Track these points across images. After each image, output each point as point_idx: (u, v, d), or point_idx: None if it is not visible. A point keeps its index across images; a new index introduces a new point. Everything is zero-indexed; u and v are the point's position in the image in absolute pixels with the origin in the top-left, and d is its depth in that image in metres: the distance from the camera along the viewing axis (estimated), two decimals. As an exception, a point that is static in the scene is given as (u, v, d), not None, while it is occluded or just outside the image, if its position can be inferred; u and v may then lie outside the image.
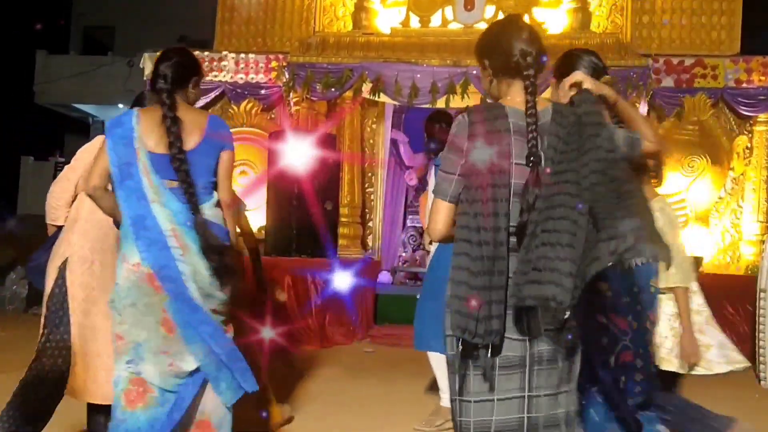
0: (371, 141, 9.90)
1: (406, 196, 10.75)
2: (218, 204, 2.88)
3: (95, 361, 3.32)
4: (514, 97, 2.18)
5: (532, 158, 2.05)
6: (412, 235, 10.68)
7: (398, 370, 6.07)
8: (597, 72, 2.64)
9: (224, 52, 9.49)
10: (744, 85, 8.68)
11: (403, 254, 10.56)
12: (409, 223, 10.75)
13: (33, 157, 16.86)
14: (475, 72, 8.53)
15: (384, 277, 9.53)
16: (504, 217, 2.06)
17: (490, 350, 2.06)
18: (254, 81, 9.45)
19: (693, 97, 8.71)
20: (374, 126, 9.90)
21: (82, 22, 19.87)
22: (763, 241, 7.23)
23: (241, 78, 9.41)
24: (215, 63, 9.38)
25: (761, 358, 6.05)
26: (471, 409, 2.12)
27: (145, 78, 9.30)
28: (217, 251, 2.77)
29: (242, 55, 9.44)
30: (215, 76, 9.38)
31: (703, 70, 8.74)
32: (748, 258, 8.58)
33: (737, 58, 8.80)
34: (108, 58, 17.45)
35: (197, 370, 2.80)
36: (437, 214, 2.18)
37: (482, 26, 9.14)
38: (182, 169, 2.75)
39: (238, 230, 3.40)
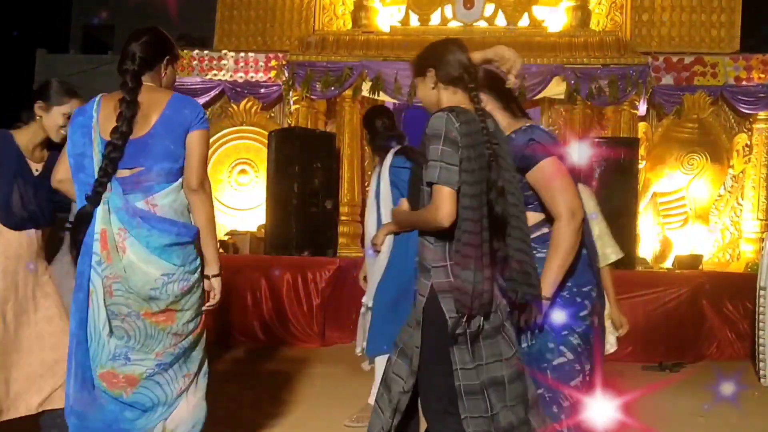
0: (371, 139, 9.90)
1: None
2: (178, 191, 2.62)
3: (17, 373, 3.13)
4: (461, 103, 2.47)
5: (492, 158, 2.39)
6: (412, 234, 10.68)
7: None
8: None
9: (224, 51, 9.49)
10: (744, 82, 8.69)
11: (403, 253, 10.56)
12: (409, 221, 10.74)
13: (33, 156, 16.85)
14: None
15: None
16: (485, 207, 2.37)
17: (482, 322, 2.37)
18: (254, 80, 9.45)
19: (693, 94, 8.71)
20: (374, 124, 9.90)
21: (82, 20, 19.87)
22: (762, 239, 7.24)
23: (241, 77, 9.41)
24: (215, 62, 9.39)
25: (761, 356, 6.05)
26: (483, 371, 2.38)
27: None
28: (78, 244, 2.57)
29: (242, 54, 9.45)
30: (215, 75, 9.39)
31: (703, 68, 8.75)
32: (747, 255, 8.58)
33: (737, 55, 8.80)
34: (108, 57, 17.43)
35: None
36: (446, 201, 2.33)
37: (482, 25, 9.17)
38: (111, 157, 2.53)
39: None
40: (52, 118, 3.27)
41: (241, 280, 6.97)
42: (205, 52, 9.47)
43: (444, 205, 2.32)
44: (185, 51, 9.34)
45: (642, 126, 8.86)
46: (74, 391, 2.61)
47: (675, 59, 8.72)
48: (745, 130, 8.90)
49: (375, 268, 4.43)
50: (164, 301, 2.55)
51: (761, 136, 8.78)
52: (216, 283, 2.73)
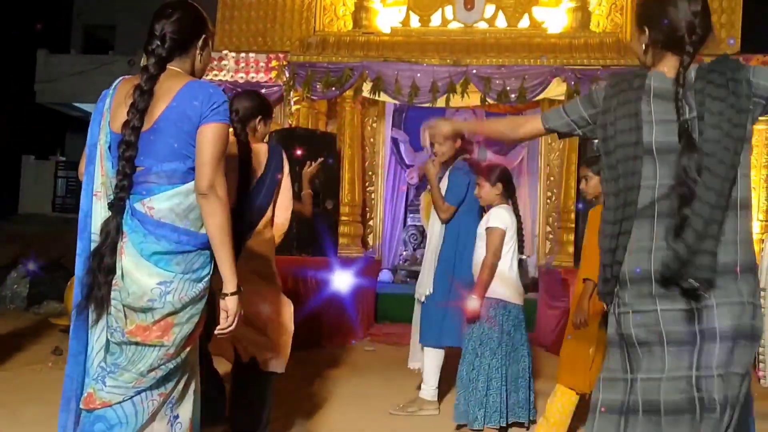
0: (372, 140, 9.92)
1: (407, 195, 10.78)
2: (185, 195, 2.29)
3: None
4: (664, 66, 2.23)
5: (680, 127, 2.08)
6: (412, 234, 10.70)
7: (399, 368, 6.08)
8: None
9: (224, 51, 9.51)
10: (744, 83, 8.70)
11: (404, 253, 10.58)
12: (409, 221, 10.78)
13: (34, 156, 16.88)
14: (474, 71, 8.56)
15: (384, 275, 9.55)
16: (636, 176, 2.12)
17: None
18: (255, 80, 9.46)
19: (693, 95, 8.71)
20: (375, 125, 9.93)
21: (83, 20, 19.88)
22: (762, 240, 7.24)
23: (242, 77, 9.43)
24: (215, 62, 9.40)
25: (761, 357, 6.06)
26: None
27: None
28: (105, 270, 2.25)
29: (242, 55, 9.46)
30: (215, 75, 9.39)
31: (703, 69, 8.75)
32: (747, 256, 8.59)
33: (737, 56, 8.80)
34: (109, 57, 17.45)
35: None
36: (529, 122, 2.47)
37: (482, 26, 9.18)
38: (125, 156, 2.23)
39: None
40: None
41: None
42: (206, 52, 9.48)
43: (526, 123, 2.55)
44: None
45: (642, 127, 8.86)
46: (62, 409, 2.38)
47: (675, 60, 8.74)
48: (745, 131, 8.91)
49: (426, 263, 4.68)
50: (159, 311, 2.25)
51: (761, 138, 8.78)
52: (231, 303, 2.33)
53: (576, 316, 3.74)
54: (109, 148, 2.32)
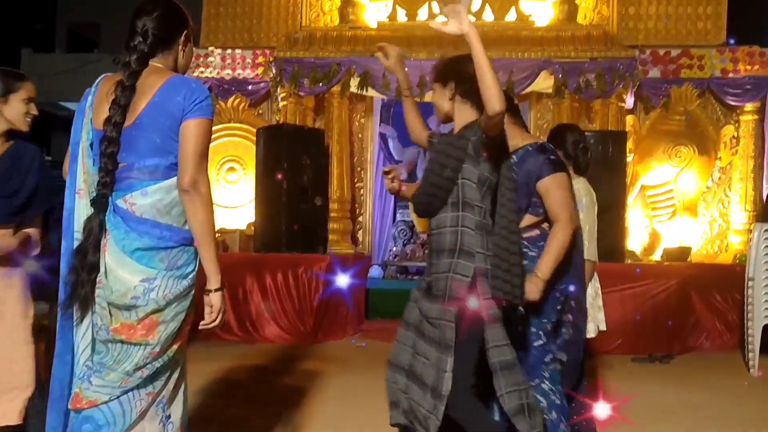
0: (360, 135, 9.89)
1: (396, 191, 10.75)
2: (166, 191, 2.26)
3: None
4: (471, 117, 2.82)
5: None
6: (402, 230, 10.70)
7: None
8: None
9: (210, 48, 9.45)
10: (730, 74, 8.73)
11: (394, 248, 10.57)
12: (399, 217, 10.77)
13: (20, 156, 16.74)
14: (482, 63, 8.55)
15: (375, 271, 9.54)
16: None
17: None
18: (241, 77, 9.42)
19: (679, 87, 8.74)
20: (363, 120, 9.90)
21: (67, 19, 19.73)
22: (750, 230, 7.27)
23: (228, 74, 9.38)
24: (201, 59, 9.35)
25: (750, 346, 6.09)
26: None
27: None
28: (88, 268, 2.21)
29: (229, 51, 9.41)
30: (201, 72, 9.35)
31: (690, 61, 8.78)
32: (735, 247, 8.63)
33: (723, 48, 8.84)
34: (94, 56, 17.34)
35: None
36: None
37: (469, 19, 9.14)
38: (106, 153, 2.20)
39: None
40: (13, 108, 3.07)
41: (230, 278, 6.95)
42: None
43: None
44: (172, 48, 9.29)
45: (629, 119, 8.88)
46: (49, 410, 2.35)
47: (662, 52, 8.75)
48: (732, 121, 8.94)
49: None
50: (143, 309, 2.22)
51: (748, 128, 8.82)
52: (216, 299, 2.30)
53: None
54: (91, 145, 2.30)
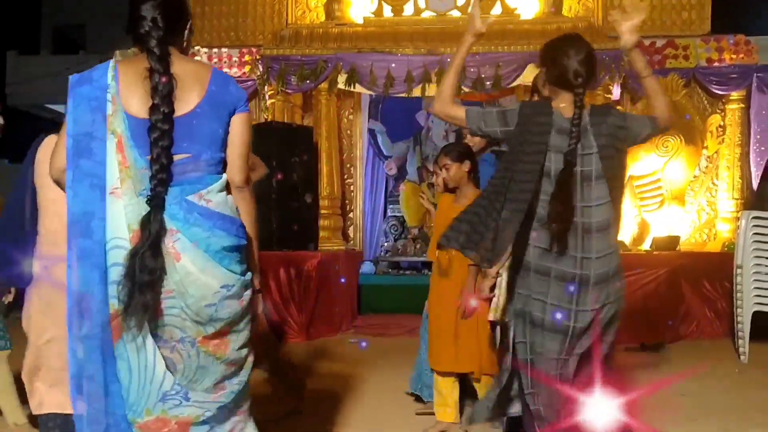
0: (348, 132, 9.89)
1: (386, 186, 10.77)
2: (227, 187, 2.17)
3: None
4: (560, 103, 2.71)
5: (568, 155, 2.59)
6: (393, 225, 10.70)
7: (383, 359, 6.11)
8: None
9: (196, 47, 9.41)
10: (716, 64, 8.77)
11: (385, 244, 10.58)
12: (389, 212, 10.77)
13: (8, 160, 16.68)
14: (449, 60, 8.54)
15: (366, 267, 9.55)
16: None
17: None
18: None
19: (665, 77, 8.77)
20: (351, 117, 9.90)
21: (52, 21, 19.62)
22: (738, 218, 7.33)
23: (215, 73, 9.36)
24: (188, 59, 9.32)
25: (739, 333, 6.15)
26: None
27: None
28: (148, 273, 1.98)
29: (215, 50, 9.39)
30: (189, 72, 9.32)
31: (675, 51, 8.81)
32: (724, 235, 8.69)
33: (708, 37, 8.88)
34: (80, 57, 17.24)
35: None
36: (457, 109, 2.77)
37: (455, 14, 9.18)
38: (160, 145, 2.02)
39: None
40: None
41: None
42: (178, 49, 9.39)
43: (456, 112, 2.84)
44: (158, 48, 9.27)
45: (616, 110, 8.91)
46: None
47: (647, 42, 8.77)
48: (718, 111, 8.98)
49: None
50: (221, 322, 2.07)
51: (734, 117, 8.86)
52: (258, 300, 2.29)
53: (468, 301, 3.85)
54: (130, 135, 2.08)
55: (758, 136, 8.80)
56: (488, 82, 8.51)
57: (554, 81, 2.76)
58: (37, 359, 2.95)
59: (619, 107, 8.79)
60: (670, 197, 8.87)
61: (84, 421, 2.03)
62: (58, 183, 2.14)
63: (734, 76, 8.72)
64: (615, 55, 8.29)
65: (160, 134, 2.02)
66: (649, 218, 8.80)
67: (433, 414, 4.18)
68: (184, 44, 2.29)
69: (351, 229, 9.86)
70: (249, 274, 2.19)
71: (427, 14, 9.27)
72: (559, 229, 2.57)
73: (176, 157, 2.07)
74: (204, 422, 2.10)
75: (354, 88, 8.91)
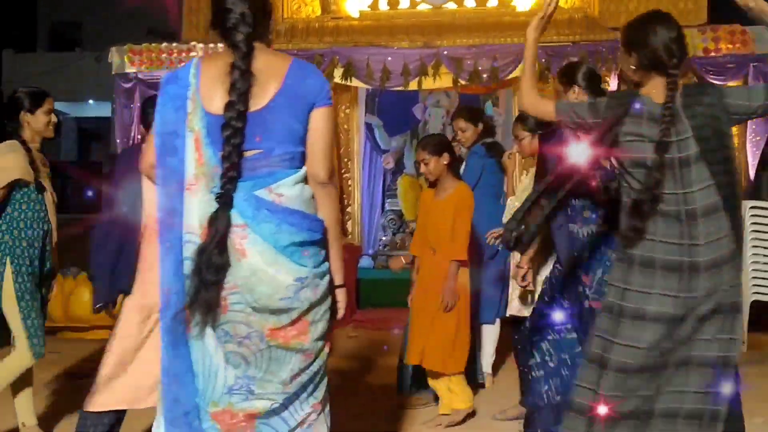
0: (345, 126, 9.87)
1: (384, 180, 10.76)
2: (304, 181, 2.14)
3: None
4: (650, 89, 2.57)
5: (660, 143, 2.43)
6: (391, 219, 10.69)
7: (383, 353, 6.11)
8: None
9: (192, 43, 9.40)
10: (712, 54, 8.75)
11: (383, 238, 10.58)
12: (387, 207, 10.76)
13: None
14: (446, 53, 8.54)
15: (365, 261, 9.55)
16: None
17: None
18: (225, 71, 9.37)
19: (662, 68, 8.75)
20: (348, 111, 9.88)
21: (49, 18, 19.59)
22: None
23: (212, 68, 9.33)
24: (184, 54, 9.28)
25: (738, 323, 6.15)
26: None
27: (113, 72, 9.21)
28: (215, 270, 1.99)
29: (211, 45, 9.34)
30: (185, 68, 9.29)
31: (672, 41, 8.78)
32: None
33: (704, 27, 8.86)
34: (76, 54, 17.24)
35: None
36: (545, 102, 2.71)
37: (451, 6, 9.15)
38: (232, 142, 2.02)
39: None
40: (39, 120, 3.59)
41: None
42: (174, 44, 9.37)
43: (546, 103, 2.76)
44: (153, 45, 9.25)
45: (614, 101, 8.89)
46: None
47: (643, 33, 8.75)
48: (715, 101, 8.96)
49: None
50: (297, 311, 2.07)
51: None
52: (342, 295, 2.28)
53: (450, 297, 3.90)
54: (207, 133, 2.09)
55: (754, 126, 8.79)
56: (485, 75, 8.50)
57: (645, 64, 2.57)
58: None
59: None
60: (669, 188, 8.87)
61: (168, 405, 2.09)
62: (149, 178, 2.19)
63: (731, 65, 8.70)
64: (611, 46, 8.27)
65: (232, 132, 2.02)
66: (646, 209, 8.79)
67: (427, 404, 4.26)
68: (270, 36, 2.27)
69: (349, 223, 9.86)
70: (325, 265, 2.17)
71: (422, 7, 9.25)
72: (646, 218, 2.45)
73: (248, 153, 2.06)
74: (272, 412, 2.11)
75: (351, 82, 8.90)
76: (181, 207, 2.05)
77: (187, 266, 2.03)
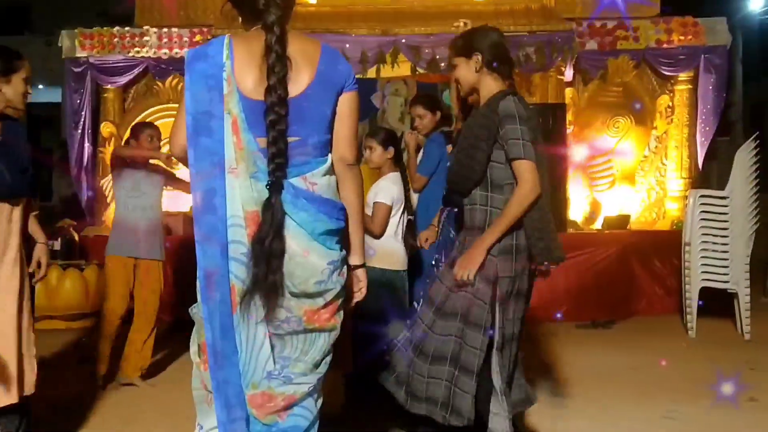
0: (302, 113, 9.81)
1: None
2: (331, 170, 2.15)
3: None
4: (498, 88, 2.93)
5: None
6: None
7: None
8: (499, 50, 2.98)
9: (146, 27, 9.21)
10: (665, 45, 8.89)
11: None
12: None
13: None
14: (404, 41, 8.53)
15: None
16: None
17: None
18: (179, 56, 9.18)
19: (616, 59, 8.89)
20: (305, 98, 9.81)
21: (-5, 0, 19.03)
22: (686, 197, 7.48)
23: (165, 53, 9.16)
24: (137, 39, 9.10)
25: (688, 309, 6.29)
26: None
27: (64, 57, 8.98)
28: (276, 255, 2.01)
29: (165, 30, 9.18)
30: (138, 52, 9.09)
31: (626, 32, 8.91)
32: (672, 213, 8.86)
33: (657, 19, 8.99)
34: (24, 38, 16.78)
35: None
36: (534, 174, 2.75)
37: (408, -6, 9.12)
38: (277, 129, 2.00)
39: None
40: (15, 87, 3.07)
41: (178, 262, 6.86)
42: (127, 29, 9.17)
43: (534, 177, 2.74)
44: (105, 28, 9.05)
45: (569, 92, 8.99)
46: (226, 421, 2.07)
47: (598, 24, 8.87)
48: (667, 91, 9.12)
49: None
50: (331, 293, 2.10)
51: (682, 98, 9.02)
52: (363, 275, 2.30)
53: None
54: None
55: (704, 117, 8.98)
56: (443, 63, 8.50)
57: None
58: None
59: (569, 89, 8.98)
60: (621, 177, 9.02)
61: (220, 387, 2.08)
62: (181, 160, 2.14)
63: (682, 57, 8.86)
64: (567, 37, 8.35)
65: (276, 118, 2.00)
66: (600, 198, 8.93)
67: None
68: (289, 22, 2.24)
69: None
70: (345, 250, 2.20)
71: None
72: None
73: (289, 140, 2.06)
74: (308, 395, 2.15)
75: (307, 68, 8.82)
76: (222, 188, 2.02)
77: (236, 250, 2.03)
